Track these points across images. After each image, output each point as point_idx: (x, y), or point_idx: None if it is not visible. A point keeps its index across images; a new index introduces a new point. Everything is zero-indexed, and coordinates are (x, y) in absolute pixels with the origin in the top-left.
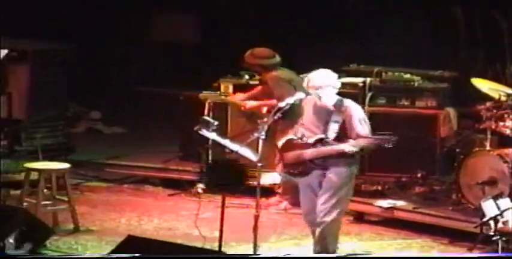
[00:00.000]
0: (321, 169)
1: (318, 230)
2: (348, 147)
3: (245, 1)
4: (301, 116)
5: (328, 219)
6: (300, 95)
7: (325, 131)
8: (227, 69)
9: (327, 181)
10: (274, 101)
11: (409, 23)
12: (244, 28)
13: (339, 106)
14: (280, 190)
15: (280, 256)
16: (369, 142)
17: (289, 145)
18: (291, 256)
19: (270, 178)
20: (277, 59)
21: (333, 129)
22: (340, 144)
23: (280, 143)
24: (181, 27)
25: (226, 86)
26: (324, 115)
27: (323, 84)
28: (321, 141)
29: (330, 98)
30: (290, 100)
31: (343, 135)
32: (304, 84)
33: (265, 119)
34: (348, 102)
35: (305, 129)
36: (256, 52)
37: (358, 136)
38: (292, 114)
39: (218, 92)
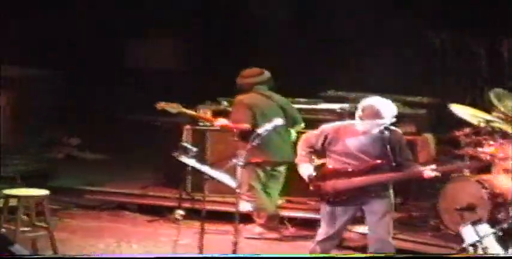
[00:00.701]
0: (368, 195)
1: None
2: (428, 171)
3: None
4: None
5: (390, 239)
6: (278, 121)
7: (379, 157)
8: (208, 96)
9: (381, 204)
10: (245, 125)
11: (389, 50)
12: (225, 56)
13: (389, 132)
14: (257, 217)
15: (280, 256)
16: (449, 168)
17: (329, 173)
18: (292, 256)
19: (248, 205)
20: (260, 77)
21: (386, 154)
22: (408, 169)
23: (313, 173)
24: (166, 54)
25: (205, 112)
26: (377, 141)
27: (391, 115)
28: (375, 168)
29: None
30: (268, 126)
31: (393, 160)
32: (361, 112)
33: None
34: (394, 128)
35: (348, 157)
36: (243, 72)
37: (407, 160)
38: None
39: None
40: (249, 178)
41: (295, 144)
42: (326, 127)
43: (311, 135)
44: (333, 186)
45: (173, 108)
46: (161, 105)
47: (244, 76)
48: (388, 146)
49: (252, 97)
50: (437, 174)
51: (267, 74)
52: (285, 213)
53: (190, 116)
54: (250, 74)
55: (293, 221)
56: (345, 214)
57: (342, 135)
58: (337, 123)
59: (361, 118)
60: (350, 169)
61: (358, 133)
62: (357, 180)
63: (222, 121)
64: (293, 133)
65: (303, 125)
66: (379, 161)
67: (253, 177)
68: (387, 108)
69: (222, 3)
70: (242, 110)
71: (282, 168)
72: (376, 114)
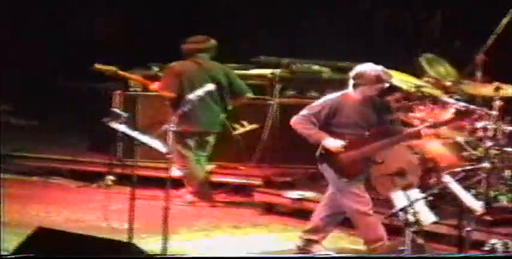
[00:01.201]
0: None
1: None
2: (425, 129)
3: None
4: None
5: None
6: (209, 86)
7: (378, 124)
8: (138, 62)
9: None
10: (168, 93)
11: (326, 17)
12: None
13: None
14: (188, 185)
15: (278, 256)
16: (442, 122)
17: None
18: (291, 256)
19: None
20: (203, 44)
21: (383, 120)
22: (404, 131)
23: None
24: (99, 23)
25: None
26: (373, 108)
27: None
28: (377, 135)
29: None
30: (199, 92)
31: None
32: (357, 79)
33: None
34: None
35: (351, 128)
36: (190, 38)
37: (397, 124)
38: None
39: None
40: (178, 147)
41: (233, 113)
42: (327, 100)
43: (312, 111)
44: (347, 158)
45: (109, 70)
46: (98, 66)
47: (188, 41)
48: (381, 111)
49: (183, 64)
50: (434, 130)
51: (212, 42)
52: (217, 179)
53: (126, 78)
54: (193, 40)
55: (225, 187)
56: (355, 188)
57: (343, 105)
58: (336, 95)
59: (357, 86)
60: (356, 140)
61: (357, 102)
62: (367, 149)
63: (156, 85)
64: (230, 103)
65: (250, 94)
66: (382, 127)
67: (182, 145)
68: (382, 73)
69: None
70: (169, 77)
71: (211, 138)
72: (373, 80)
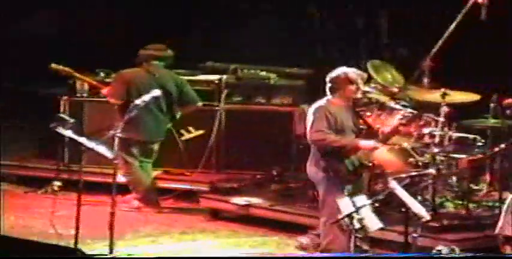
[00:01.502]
0: None
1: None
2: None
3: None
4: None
5: None
6: (155, 92)
7: (361, 126)
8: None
9: None
10: (114, 100)
11: (267, 22)
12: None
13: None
14: (134, 191)
15: (278, 256)
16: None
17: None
18: (291, 256)
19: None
20: (160, 52)
21: (364, 121)
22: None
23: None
24: (38, 22)
25: (82, 83)
26: (352, 111)
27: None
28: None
29: None
30: (146, 98)
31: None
32: (335, 84)
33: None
34: None
35: (343, 133)
36: (149, 45)
37: None
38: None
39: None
40: (122, 154)
41: (180, 119)
42: (320, 111)
43: (323, 123)
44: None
45: (65, 70)
46: (54, 66)
47: (146, 48)
48: (357, 115)
49: (134, 72)
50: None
51: (169, 52)
52: (163, 185)
53: (80, 79)
54: (152, 47)
55: (171, 193)
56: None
57: (335, 111)
58: (320, 103)
59: (334, 90)
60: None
61: (342, 107)
62: (363, 153)
63: (106, 90)
64: (178, 112)
65: (200, 103)
66: (372, 128)
67: (126, 152)
68: (353, 74)
69: None
70: (118, 84)
71: (155, 145)
72: (346, 82)
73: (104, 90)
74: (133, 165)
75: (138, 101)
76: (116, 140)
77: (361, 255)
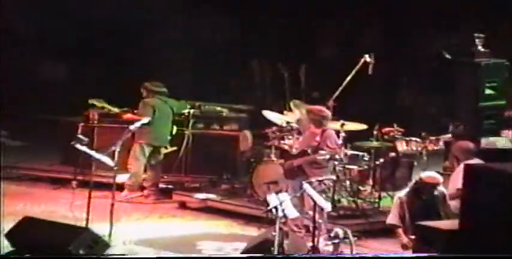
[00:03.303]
0: None
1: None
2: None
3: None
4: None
5: None
6: (145, 119)
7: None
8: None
9: None
10: (145, 118)
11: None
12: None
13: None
14: (128, 187)
15: (278, 256)
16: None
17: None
18: (291, 256)
19: (122, 178)
20: (160, 89)
21: None
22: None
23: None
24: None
25: (94, 114)
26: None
27: None
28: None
29: None
30: (137, 124)
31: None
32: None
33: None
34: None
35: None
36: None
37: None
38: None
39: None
40: (136, 153)
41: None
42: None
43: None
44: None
45: (99, 102)
46: (92, 100)
47: (151, 84)
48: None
49: (154, 100)
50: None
51: (164, 88)
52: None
53: (109, 109)
54: (156, 84)
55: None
56: None
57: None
58: (313, 131)
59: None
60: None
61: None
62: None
63: (128, 115)
64: (174, 128)
65: (188, 107)
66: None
67: (139, 151)
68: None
69: None
70: (148, 108)
71: (162, 149)
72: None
73: (126, 115)
74: (139, 161)
75: (131, 127)
76: (116, 153)
77: (362, 255)
